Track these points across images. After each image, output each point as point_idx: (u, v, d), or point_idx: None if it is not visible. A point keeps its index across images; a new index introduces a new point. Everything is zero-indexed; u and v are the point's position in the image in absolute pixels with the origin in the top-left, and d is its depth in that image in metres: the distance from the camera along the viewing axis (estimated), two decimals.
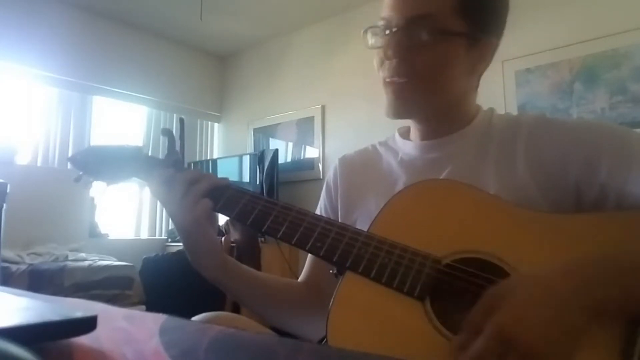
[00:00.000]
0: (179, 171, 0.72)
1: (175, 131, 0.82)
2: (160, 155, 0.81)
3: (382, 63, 0.74)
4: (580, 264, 0.51)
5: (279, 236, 0.63)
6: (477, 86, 0.79)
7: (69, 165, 0.80)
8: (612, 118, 2.51)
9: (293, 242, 0.62)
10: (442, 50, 0.70)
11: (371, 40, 0.76)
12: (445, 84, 0.73)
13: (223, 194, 0.70)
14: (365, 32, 0.76)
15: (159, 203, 3.93)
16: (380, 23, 0.73)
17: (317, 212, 0.86)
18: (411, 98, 0.73)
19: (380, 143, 0.87)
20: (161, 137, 0.76)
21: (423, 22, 0.69)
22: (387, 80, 0.73)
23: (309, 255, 0.82)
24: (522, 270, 0.54)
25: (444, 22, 0.69)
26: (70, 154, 3.39)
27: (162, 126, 4.06)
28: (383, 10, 0.73)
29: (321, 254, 0.60)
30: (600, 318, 0.47)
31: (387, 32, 0.72)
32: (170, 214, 0.71)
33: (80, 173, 0.80)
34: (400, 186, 0.73)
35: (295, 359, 0.26)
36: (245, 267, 0.79)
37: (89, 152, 0.81)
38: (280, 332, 0.79)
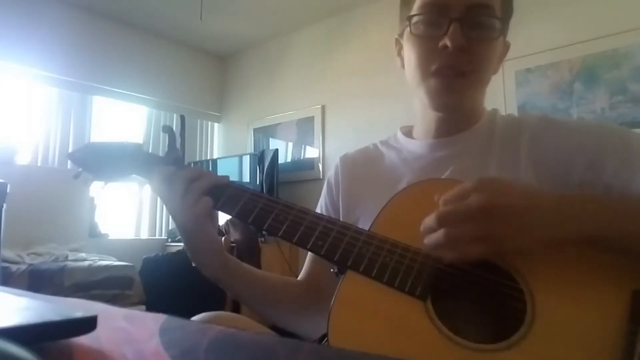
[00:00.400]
0: (180, 169, 0.72)
1: (175, 129, 0.82)
2: (161, 154, 0.81)
3: (431, 53, 0.70)
4: (570, 196, 0.56)
5: (280, 234, 0.63)
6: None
7: (69, 163, 0.80)
8: (612, 118, 2.51)
9: (294, 241, 0.62)
10: (497, 43, 0.72)
11: (420, 27, 0.72)
12: (489, 78, 0.74)
13: (224, 192, 0.70)
14: (411, 17, 0.73)
15: (159, 203, 3.97)
16: (419, 11, 0.71)
17: (318, 210, 0.86)
18: (464, 90, 0.72)
19: (381, 142, 0.87)
20: (162, 134, 0.75)
21: (485, 12, 0.69)
22: (442, 70, 0.70)
23: (309, 253, 0.82)
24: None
25: (497, 16, 0.70)
26: (68, 160, 3.38)
27: (163, 124, 4.05)
28: (422, 4, 0.71)
29: (322, 253, 0.60)
30: (588, 248, 0.52)
31: (446, 20, 0.68)
32: (171, 212, 0.71)
33: (80, 170, 0.80)
34: (403, 184, 0.73)
35: (295, 359, 0.26)
36: (246, 265, 0.79)
37: (89, 149, 0.81)
38: (281, 332, 0.79)
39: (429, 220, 0.54)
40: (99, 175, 0.79)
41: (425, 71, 0.72)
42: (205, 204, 0.68)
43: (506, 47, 0.78)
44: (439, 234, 0.53)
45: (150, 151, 0.78)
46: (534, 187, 0.60)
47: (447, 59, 0.69)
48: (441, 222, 0.53)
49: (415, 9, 0.73)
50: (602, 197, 0.60)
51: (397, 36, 0.82)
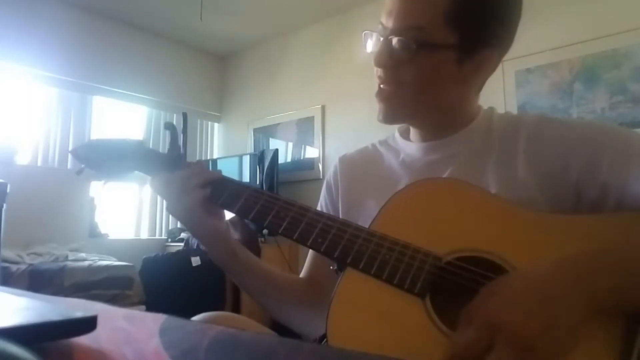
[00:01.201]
0: (180, 166, 0.73)
1: (177, 127, 0.82)
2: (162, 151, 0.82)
3: (376, 68, 0.74)
4: (574, 260, 0.51)
5: (280, 231, 0.64)
6: (479, 90, 0.78)
7: (69, 162, 0.80)
8: (612, 118, 2.51)
9: (294, 238, 0.63)
10: (429, 63, 0.69)
11: (369, 44, 0.77)
12: (434, 94, 0.73)
13: (225, 189, 0.70)
14: (364, 35, 0.77)
15: (159, 203, 3.97)
16: (378, 28, 0.74)
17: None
18: (398, 106, 0.74)
19: (380, 142, 0.87)
20: (164, 131, 0.76)
21: (412, 34, 0.68)
22: (379, 86, 0.74)
23: (310, 251, 0.82)
24: (521, 269, 0.54)
25: (434, 35, 0.67)
26: (68, 160, 3.39)
27: (162, 126, 4.06)
28: (382, 15, 0.73)
29: (322, 250, 0.61)
30: (595, 314, 0.48)
31: (381, 39, 0.72)
32: (170, 211, 0.73)
33: (82, 166, 0.80)
34: (402, 186, 0.73)
35: (295, 359, 0.26)
36: (255, 257, 0.80)
37: (91, 145, 0.81)
38: (281, 332, 0.79)
39: None
40: (101, 172, 0.80)
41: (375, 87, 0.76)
42: (202, 202, 0.69)
43: (485, 58, 0.70)
44: None
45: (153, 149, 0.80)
46: (533, 272, 0.51)
47: (379, 76, 0.73)
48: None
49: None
50: (617, 253, 0.54)
51: None
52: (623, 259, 0.52)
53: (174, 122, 3.92)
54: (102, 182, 0.81)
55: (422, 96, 0.72)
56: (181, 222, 0.72)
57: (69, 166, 3.38)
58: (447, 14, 0.66)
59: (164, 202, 0.74)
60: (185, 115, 2.34)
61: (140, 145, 0.79)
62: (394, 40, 0.69)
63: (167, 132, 0.80)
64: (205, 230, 0.73)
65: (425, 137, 0.79)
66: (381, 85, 0.74)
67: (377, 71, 0.74)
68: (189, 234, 3.52)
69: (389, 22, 0.70)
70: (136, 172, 0.79)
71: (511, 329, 0.45)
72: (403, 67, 0.70)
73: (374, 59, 0.72)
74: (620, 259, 0.52)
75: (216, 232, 0.73)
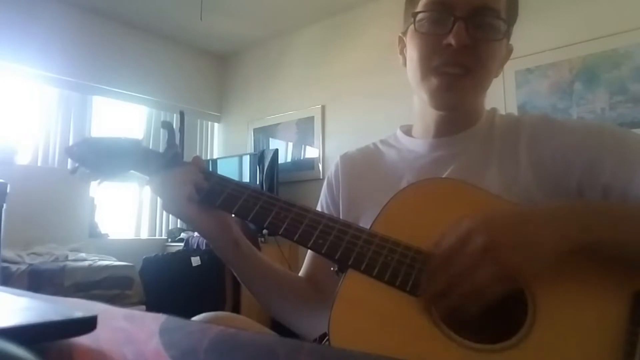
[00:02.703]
0: (177, 164, 0.72)
1: (175, 126, 0.81)
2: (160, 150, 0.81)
3: (434, 50, 0.70)
4: (560, 207, 0.57)
5: (280, 232, 0.63)
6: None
7: (69, 162, 0.79)
8: (612, 118, 2.51)
9: (295, 239, 0.62)
10: (500, 45, 0.72)
11: (425, 25, 0.72)
12: (491, 80, 0.74)
13: (223, 190, 0.70)
14: (416, 14, 0.73)
15: (159, 203, 3.96)
16: (432, 8, 0.71)
17: (318, 209, 0.86)
18: (465, 90, 0.72)
19: (381, 141, 0.87)
20: (161, 130, 0.75)
21: (490, 14, 0.69)
22: (444, 69, 0.70)
23: (309, 251, 0.82)
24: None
25: (502, 18, 0.70)
26: (68, 160, 3.37)
27: (162, 120, 4.05)
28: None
29: (323, 251, 0.60)
30: (570, 253, 0.52)
31: (451, 18, 0.68)
32: (164, 207, 0.72)
33: (77, 165, 0.78)
34: (404, 183, 0.73)
35: (295, 358, 0.26)
36: (259, 253, 0.79)
37: (87, 144, 0.79)
38: (281, 332, 0.78)
39: (433, 274, 0.54)
40: (97, 171, 0.78)
41: (427, 68, 0.72)
42: (194, 203, 0.69)
43: (509, 51, 0.77)
44: (450, 290, 0.52)
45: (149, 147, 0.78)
46: (527, 207, 0.60)
47: (450, 56, 0.69)
48: (448, 276, 0.52)
49: (420, 6, 0.73)
50: (594, 204, 0.60)
51: (400, 34, 0.82)
52: (607, 211, 0.57)
53: (174, 122, 3.93)
54: (98, 181, 0.79)
55: (487, 80, 0.74)
56: (178, 218, 0.72)
57: (68, 166, 3.37)
58: (506, 4, 0.71)
59: (160, 200, 0.74)
60: (182, 114, 2.33)
61: (137, 144, 0.78)
62: (474, 20, 0.68)
63: (164, 131, 0.79)
64: (204, 224, 0.72)
65: (435, 133, 0.78)
66: (452, 68, 0.70)
67: (438, 53, 0.70)
68: (189, 235, 3.52)
69: (462, 1, 0.68)
70: (132, 171, 0.78)
71: (496, 250, 0.51)
72: (483, 47, 0.70)
73: (455, 37, 0.67)
74: (601, 211, 0.57)
75: (217, 223, 0.72)
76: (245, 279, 0.79)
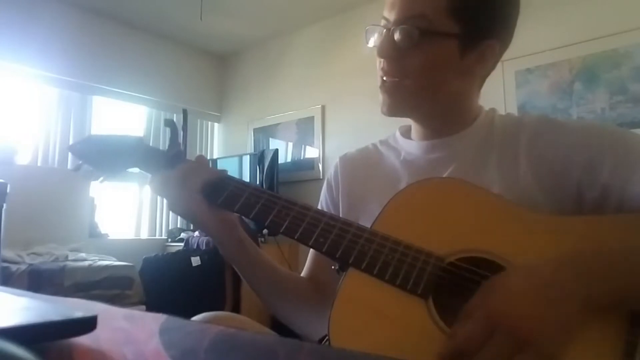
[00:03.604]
0: (180, 162, 0.72)
1: (177, 123, 0.81)
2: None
3: (379, 62, 0.74)
4: (573, 258, 0.52)
5: (281, 231, 0.63)
6: (480, 86, 0.78)
7: (69, 162, 0.79)
8: (612, 118, 2.51)
9: (296, 237, 0.62)
10: (432, 51, 0.70)
11: (371, 39, 0.76)
12: (437, 85, 0.73)
13: (225, 188, 0.69)
14: (367, 31, 0.76)
15: (159, 203, 3.97)
16: (382, 23, 0.74)
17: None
18: (402, 98, 0.74)
19: (381, 142, 0.87)
20: (164, 130, 0.75)
21: (415, 23, 0.69)
22: (382, 79, 0.74)
23: (311, 250, 0.82)
24: (520, 265, 0.54)
25: (436, 24, 0.68)
26: (68, 160, 3.39)
27: (162, 126, 4.06)
28: (384, 9, 0.74)
29: (324, 250, 0.60)
30: (595, 312, 0.48)
31: (384, 32, 0.72)
32: (170, 207, 0.72)
33: (80, 162, 0.79)
34: (403, 185, 0.73)
35: (295, 358, 0.26)
36: (262, 253, 0.80)
37: (90, 141, 0.80)
38: (281, 332, 0.78)
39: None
40: (100, 168, 0.78)
41: (378, 79, 0.75)
42: (199, 201, 0.69)
43: (487, 48, 0.71)
44: None
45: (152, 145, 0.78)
46: (537, 270, 0.52)
47: (382, 68, 0.73)
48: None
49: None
50: (603, 254, 0.54)
51: None
52: (622, 259, 0.52)
53: (182, 108, 3.94)
54: (100, 179, 0.79)
55: (426, 87, 0.72)
56: (184, 219, 0.71)
57: (69, 166, 3.37)
58: (449, 5, 0.68)
59: (165, 200, 0.73)
60: (185, 112, 2.33)
61: (139, 142, 0.78)
62: (397, 30, 0.70)
63: (167, 129, 0.79)
64: (210, 222, 0.71)
65: (427, 135, 0.79)
66: (384, 78, 0.73)
67: (380, 63, 0.74)
68: (189, 235, 3.52)
69: (391, 15, 0.71)
70: (135, 169, 0.78)
71: (510, 322, 0.46)
72: (407, 57, 0.70)
73: (378, 50, 0.73)
74: (619, 259, 0.52)
75: (222, 222, 0.72)
76: (249, 278, 0.79)
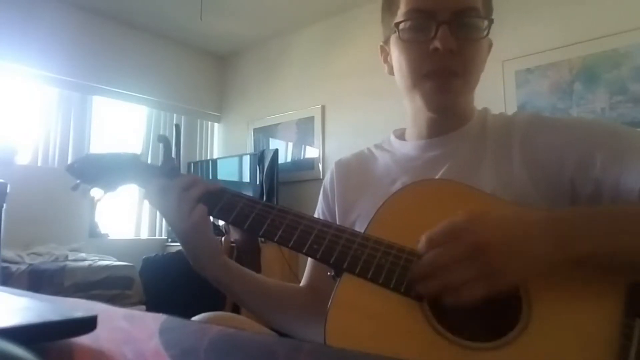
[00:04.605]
0: (175, 177, 0.72)
1: (170, 136, 0.82)
2: (159, 161, 0.82)
3: (422, 56, 0.71)
4: (562, 214, 0.56)
5: (275, 239, 0.63)
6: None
7: (69, 156, 0.81)
8: (612, 118, 2.51)
9: (290, 246, 0.62)
10: (486, 44, 0.73)
11: (409, 33, 0.73)
12: (479, 78, 0.75)
13: (220, 199, 0.70)
14: (398, 24, 0.73)
15: None
16: (410, 16, 0.72)
17: (316, 216, 0.86)
18: (457, 91, 0.73)
19: (375, 146, 0.88)
20: (163, 129, 0.76)
21: (471, 14, 0.69)
22: (436, 73, 0.71)
23: (309, 259, 0.82)
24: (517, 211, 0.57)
25: (485, 16, 0.71)
26: (68, 160, 3.39)
27: (162, 126, 4.06)
28: (414, 3, 0.72)
29: (318, 257, 0.60)
30: (572, 263, 0.51)
31: (434, 24, 0.69)
32: (169, 222, 0.72)
33: (78, 181, 0.81)
34: (398, 187, 0.73)
35: (295, 358, 0.26)
36: (247, 269, 0.80)
37: (86, 161, 0.82)
38: (280, 332, 0.79)
39: (422, 267, 0.53)
40: (97, 186, 0.81)
41: (418, 75, 0.73)
42: (200, 211, 0.69)
43: (490, 44, 0.78)
44: (435, 284, 0.52)
45: (150, 152, 0.78)
46: (522, 212, 0.57)
47: (439, 61, 0.70)
48: (434, 267, 0.52)
49: (400, 15, 0.73)
50: (591, 211, 0.58)
51: (381, 44, 0.83)
52: (610, 220, 0.55)
53: (174, 122, 3.93)
54: (98, 199, 0.81)
55: (476, 80, 0.74)
56: (180, 234, 0.70)
57: (70, 184, 3.37)
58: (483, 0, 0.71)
59: (162, 215, 0.73)
60: (177, 127, 2.33)
61: (135, 159, 0.80)
62: (457, 23, 0.69)
63: (160, 145, 0.81)
64: (204, 243, 0.71)
65: (426, 134, 0.79)
66: (442, 72, 0.71)
67: (431, 58, 0.70)
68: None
69: (442, 6, 0.69)
70: (132, 185, 0.80)
71: (475, 235, 0.51)
72: (470, 49, 0.71)
73: (441, 41, 0.68)
74: (608, 219, 0.55)
75: (212, 244, 0.73)
76: (240, 299, 0.79)
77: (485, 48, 0.75)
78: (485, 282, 0.50)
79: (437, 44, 0.68)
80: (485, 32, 0.72)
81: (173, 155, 0.80)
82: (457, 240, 0.52)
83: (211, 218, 0.72)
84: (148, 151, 3.90)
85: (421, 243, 0.54)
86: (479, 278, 0.50)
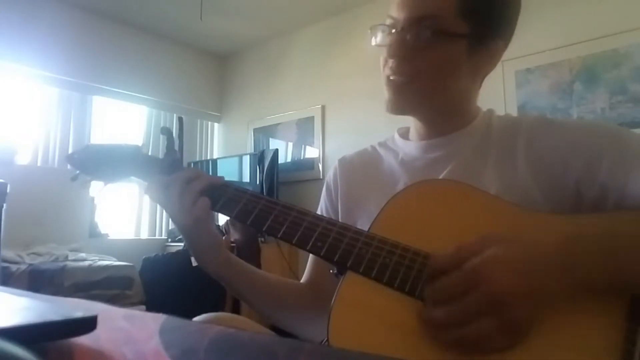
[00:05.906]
0: (177, 170, 0.72)
1: (174, 130, 0.82)
2: (160, 154, 0.81)
3: (385, 61, 0.74)
4: (575, 238, 0.54)
5: (279, 236, 0.63)
6: (479, 86, 0.79)
7: (68, 165, 0.80)
8: (612, 118, 2.51)
9: (294, 242, 0.62)
10: (444, 51, 0.70)
11: (377, 38, 0.76)
12: (446, 84, 0.73)
13: (223, 194, 0.69)
14: (372, 29, 0.76)
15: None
16: (387, 22, 0.74)
17: (318, 213, 0.86)
18: (410, 97, 0.74)
19: (379, 144, 0.87)
20: (160, 136, 0.75)
21: (426, 23, 0.69)
22: (386, 79, 0.74)
23: (310, 255, 0.82)
24: (526, 238, 0.55)
25: (447, 24, 0.69)
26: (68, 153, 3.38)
27: (162, 126, 4.06)
28: (391, 9, 0.74)
29: (322, 254, 0.60)
30: (588, 293, 0.50)
31: (393, 31, 0.72)
32: (171, 215, 0.71)
33: (77, 172, 0.79)
34: (401, 186, 0.73)
35: (295, 358, 0.26)
36: (249, 265, 0.80)
37: (87, 151, 0.80)
38: (281, 332, 0.78)
39: (441, 316, 0.51)
40: (98, 177, 0.79)
41: (384, 78, 0.76)
42: (203, 204, 0.68)
43: (493, 48, 0.73)
44: (456, 335, 0.49)
45: (149, 152, 0.77)
46: (538, 241, 0.53)
47: (391, 67, 0.73)
48: (453, 320, 0.50)
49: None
50: (609, 228, 0.56)
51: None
52: (622, 244, 0.54)
53: (174, 122, 3.93)
54: (98, 190, 0.80)
55: (434, 87, 0.73)
56: (182, 228, 0.70)
57: (69, 166, 3.37)
58: (458, 5, 0.69)
59: (164, 208, 0.72)
60: (181, 120, 2.32)
61: (137, 151, 0.78)
62: (408, 30, 0.70)
63: (164, 137, 0.79)
64: (206, 237, 0.71)
65: (426, 135, 0.79)
66: (391, 77, 0.73)
67: (387, 62, 0.74)
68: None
69: (401, 14, 0.71)
70: (133, 177, 0.78)
71: (494, 285, 0.49)
72: (417, 58, 0.70)
73: (387, 49, 0.72)
74: (619, 243, 0.54)
75: (215, 239, 0.73)
76: (241, 294, 0.79)
77: (450, 55, 0.71)
78: (509, 337, 0.49)
79: (385, 51, 0.73)
80: (440, 41, 0.69)
81: (176, 148, 0.79)
82: (474, 291, 0.49)
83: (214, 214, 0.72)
84: (148, 151, 3.89)
85: (432, 268, 0.53)
86: (502, 333, 0.48)
